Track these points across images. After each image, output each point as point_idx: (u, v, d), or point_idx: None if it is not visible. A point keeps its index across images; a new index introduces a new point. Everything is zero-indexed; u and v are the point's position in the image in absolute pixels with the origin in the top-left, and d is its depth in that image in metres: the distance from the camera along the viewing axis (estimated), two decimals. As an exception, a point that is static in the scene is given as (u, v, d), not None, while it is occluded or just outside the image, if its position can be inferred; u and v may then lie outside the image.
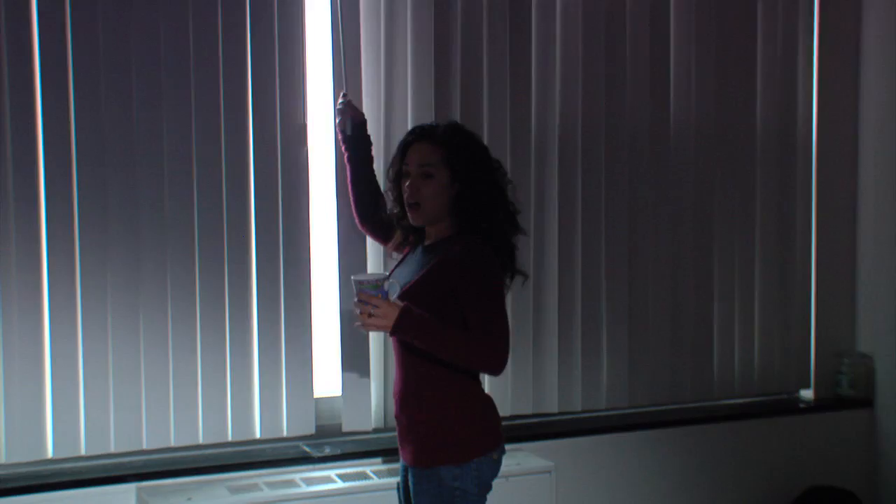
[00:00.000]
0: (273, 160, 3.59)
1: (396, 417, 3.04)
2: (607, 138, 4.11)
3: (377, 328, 2.84)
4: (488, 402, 3.04)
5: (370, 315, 2.80)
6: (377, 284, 2.82)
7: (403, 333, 2.84)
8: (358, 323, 2.85)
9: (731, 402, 4.45)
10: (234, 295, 3.56)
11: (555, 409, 4.06)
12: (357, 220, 3.44)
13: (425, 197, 2.94)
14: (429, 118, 3.66)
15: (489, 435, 2.99)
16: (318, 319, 3.70)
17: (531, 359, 4.00)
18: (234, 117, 3.53)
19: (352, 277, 2.86)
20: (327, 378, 3.77)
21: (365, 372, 3.73)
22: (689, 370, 4.31)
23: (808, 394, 4.60)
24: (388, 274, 2.87)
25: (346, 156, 3.44)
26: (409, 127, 3.41)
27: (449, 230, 2.98)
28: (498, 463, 3.00)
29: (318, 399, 3.72)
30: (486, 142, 3.24)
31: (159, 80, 3.43)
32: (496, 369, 2.90)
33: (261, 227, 3.58)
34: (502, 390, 3.91)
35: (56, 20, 3.31)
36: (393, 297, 2.84)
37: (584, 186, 4.07)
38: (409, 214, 3.00)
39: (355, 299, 2.83)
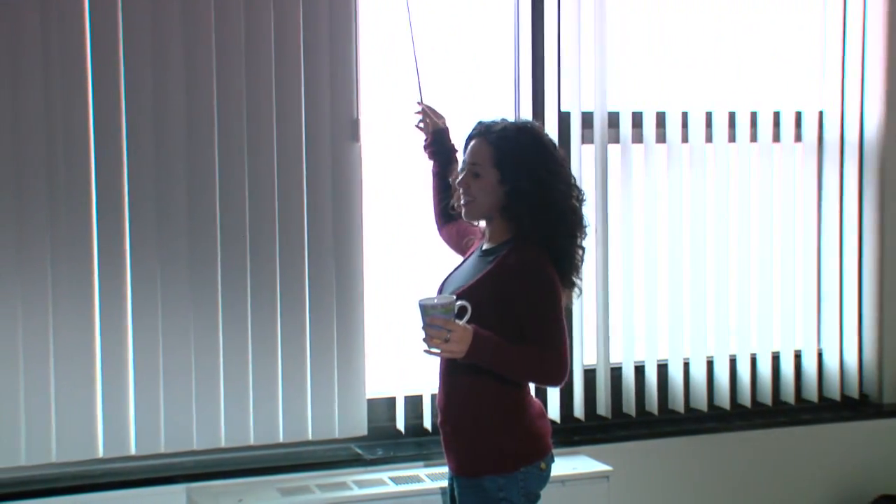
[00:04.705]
0: (325, 156, 3.54)
1: (441, 426, 2.98)
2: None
3: (453, 354, 2.75)
4: (537, 410, 2.96)
5: (446, 340, 2.71)
6: (449, 308, 2.73)
7: (475, 357, 2.76)
8: (433, 349, 2.75)
9: (797, 406, 4.31)
10: (286, 294, 3.52)
11: (609, 415, 3.98)
12: (437, 228, 3.36)
13: (474, 194, 2.89)
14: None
15: (536, 444, 2.90)
16: (370, 319, 3.64)
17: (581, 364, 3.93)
18: (285, 110, 3.49)
19: (420, 302, 2.75)
20: (381, 379, 3.71)
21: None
22: (751, 373, 4.19)
23: (877, 398, 4.46)
24: (455, 297, 2.78)
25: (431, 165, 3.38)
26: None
27: (506, 233, 2.90)
28: (546, 472, 2.92)
29: (370, 400, 3.67)
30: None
31: (210, 74, 3.40)
32: (559, 382, 2.87)
33: (312, 225, 3.54)
34: (551, 395, 3.85)
35: (108, 12, 3.30)
36: (463, 319, 2.75)
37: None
38: (462, 209, 2.94)
39: (424, 325, 2.74)
